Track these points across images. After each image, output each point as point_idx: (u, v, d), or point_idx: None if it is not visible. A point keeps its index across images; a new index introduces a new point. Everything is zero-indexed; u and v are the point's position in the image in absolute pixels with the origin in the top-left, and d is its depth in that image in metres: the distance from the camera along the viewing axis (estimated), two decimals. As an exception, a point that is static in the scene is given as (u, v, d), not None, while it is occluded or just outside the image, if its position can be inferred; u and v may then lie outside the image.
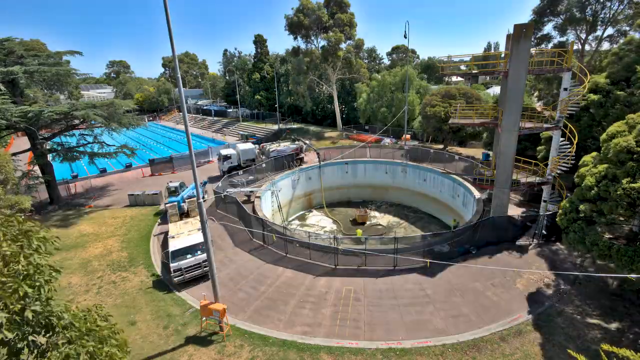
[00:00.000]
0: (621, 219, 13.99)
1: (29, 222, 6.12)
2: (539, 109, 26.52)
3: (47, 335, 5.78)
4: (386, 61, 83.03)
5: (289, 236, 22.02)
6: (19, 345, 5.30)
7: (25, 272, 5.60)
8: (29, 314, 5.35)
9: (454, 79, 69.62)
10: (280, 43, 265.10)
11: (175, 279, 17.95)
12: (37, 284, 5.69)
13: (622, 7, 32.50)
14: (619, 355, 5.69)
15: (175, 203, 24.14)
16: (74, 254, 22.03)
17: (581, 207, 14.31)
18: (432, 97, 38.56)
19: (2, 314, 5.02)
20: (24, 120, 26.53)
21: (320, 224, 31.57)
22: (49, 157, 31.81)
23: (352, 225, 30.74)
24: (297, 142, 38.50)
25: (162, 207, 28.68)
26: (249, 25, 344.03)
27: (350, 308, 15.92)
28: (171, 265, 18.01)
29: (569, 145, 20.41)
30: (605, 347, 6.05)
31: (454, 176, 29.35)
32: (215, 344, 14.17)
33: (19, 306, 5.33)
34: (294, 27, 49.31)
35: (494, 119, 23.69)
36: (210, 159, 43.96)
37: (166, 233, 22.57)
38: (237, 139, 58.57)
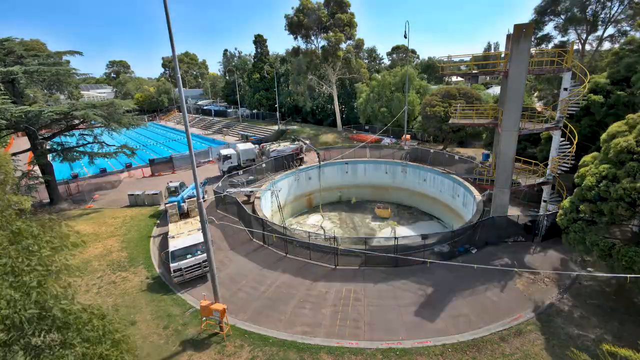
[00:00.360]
0: (622, 219, 13.97)
1: (65, 226, 6.34)
2: (539, 109, 26.51)
3: (65, 332, 5.85)
4: (386, 61, 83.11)
5: (289, 236, 22.00)
6: (32, 342, 5.34)
7: (56, 271, 5.75)
8: (57, 312, 5.45)
9: (454, 79, 69.56)
10: (280, 43, 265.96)
11: (175, 279, 17.94)
12: (65, 283, 5.81)
13: (622, 7, 32.53)
14: (620, 355, 5.69)
15: (175, 203, 24.14)
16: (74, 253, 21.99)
17: (581, 207, 14.31)
18: (432, 97, 38.53)
19: (33, 310, 5.08)
20: (24, 120, 26.50)
21: (320, 224, 31.56)
22: (49, 157, 31.79)
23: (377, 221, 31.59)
24: (297, 142, 38.49)
25: (162, 207, 28.67)
26: (249, 25, 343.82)
27: (350, 308, 15.91)
28: (171, 265, 17.99)
29: (569, 145, 20.41)
30: (607, 347, 6.06)
31: (454, 176, 29.36)
32: (215, 344, 14.16)
33: (51, 302, 5.44)
34: (294, 27, 49.27)
35: (494, 119, 23.68)
36: (210, 159, 43.96)
37: (166, 233, 22.55)
38: (237, 139, 58.56)
